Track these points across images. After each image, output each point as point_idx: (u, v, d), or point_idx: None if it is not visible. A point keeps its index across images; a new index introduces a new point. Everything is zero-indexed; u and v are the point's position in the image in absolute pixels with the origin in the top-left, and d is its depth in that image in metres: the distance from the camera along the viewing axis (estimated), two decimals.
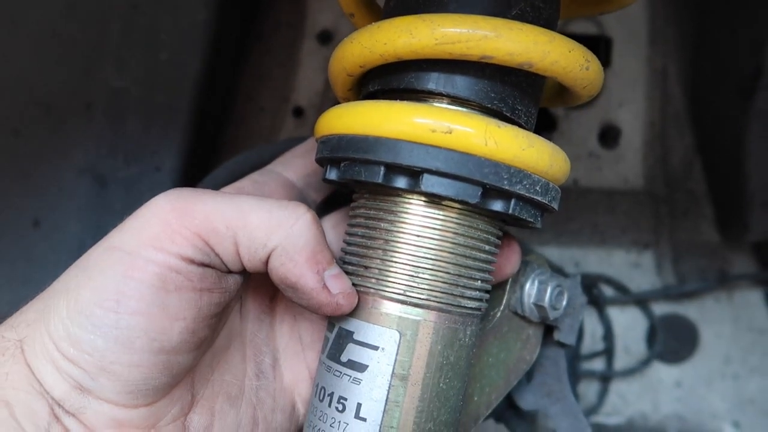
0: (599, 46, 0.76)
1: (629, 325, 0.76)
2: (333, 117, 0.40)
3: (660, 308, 0.76)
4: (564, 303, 0.49)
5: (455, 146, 0.36)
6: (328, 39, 0.77)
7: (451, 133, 0.36)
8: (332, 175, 0.41)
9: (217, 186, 0.60)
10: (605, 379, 0.75)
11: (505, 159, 0.36)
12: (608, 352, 0.75)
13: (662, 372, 0.76)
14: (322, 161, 0.42)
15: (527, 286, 0.48)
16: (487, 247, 0.41)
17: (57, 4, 0.62)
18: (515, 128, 0.37)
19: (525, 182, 0.37)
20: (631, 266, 0.77)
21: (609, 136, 0.77)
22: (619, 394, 0.76)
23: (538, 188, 0.38)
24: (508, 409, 0.56)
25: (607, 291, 0.76)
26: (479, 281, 0.41)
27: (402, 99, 0.40)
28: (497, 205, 0.38)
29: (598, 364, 0.76)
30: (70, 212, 0.66)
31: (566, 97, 0.45)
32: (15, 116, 0.67)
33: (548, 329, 0.52)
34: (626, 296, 0.75)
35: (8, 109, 0.67)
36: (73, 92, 0.64)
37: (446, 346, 0.39)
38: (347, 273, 0.41)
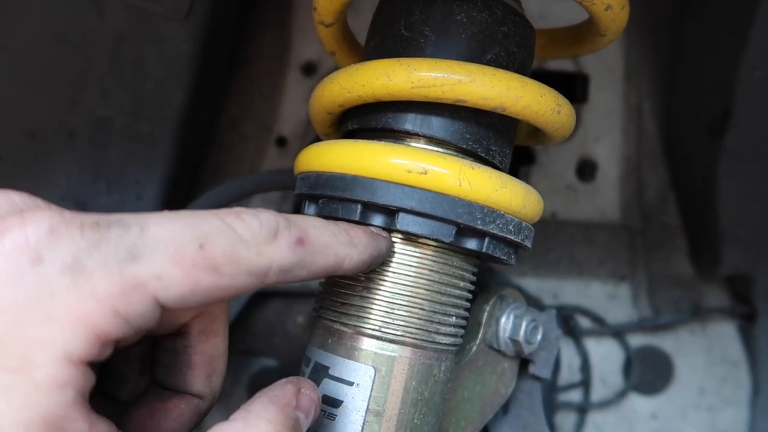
0: (576, 82, 0.78)
1: (606, 357, 0.77)
2: (312, 154, 0.41)
3: (636, 340, 0.77)
4: (539, 337, 0.49)
5: (430, 186, 0.37)
6: (312, 71, 0.78)
7: (426, 173, 0.37)
8: (310, 210, 0.42)
9: None
10: (582, 410, 0.75)
11: (479, 199, 0.37)
12: (585, 384, 0.75)
13: (638, 403, 0.77)
14: (301, 197, 0.43)
15: (503, 320, 0.49)
16: (461, 284, 0.42)
17: (45, 33, 0.62)
18: (489, 169, 0.38)
19: (498, 222, 0.38)
20: (608, 298, 0.78)
21: (586, 169, 0.79)
22: (596, 426, 0.76)
23: (511, 227, 0.39)
24: None
25: (584, 322, 0.77)
26: (454, 317, 0.42)
27: (380, 138, 0.41)
28: (471, 244, 0.39)
29: (575, 396, 0.76)
30: None
31: (540, 136, 0.46)
32: None
33: (524, 362, 0.53)
34: (603, 328, 0.76)
35: None
36: (58, 120, 0.65)
37: (421, 381, 0.40)
38: (323, 308, 0.42)
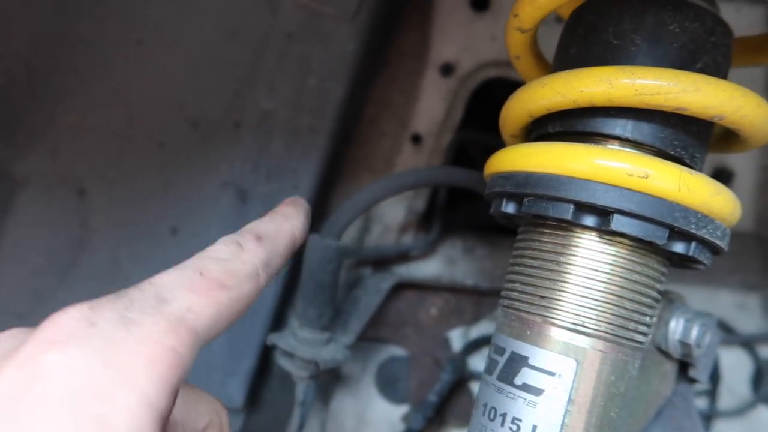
0: None
1: (734, 366, 0.77)
2: (520, 155, 0.43)
3: (765, 351, 0.77)
4: (707, 341, 0.50)
5: (649, 190, 0.38)
6: (449, 71, 0.80)
7: (647, 177, 0.38)
8: (509, 208, 0.44)
9: (359, 207, 0.63)
10: (708, 417, 0.75)
11: (695, 204, 0.39)
12: (712, 392, 0.75)
13: (764, 415, 0.76)
14: (501, 195, 0.45)
15: (672, 323, 0.50)
16: (658, 285, 0.43)
17: (219, 31, 0.67)
18: (704, 175, 0.40)
19: (709, 227, 0.40)
20: (737, 307, 0.78)
21: (722, 178, 0.78)
22: None
23: (718, 233, 0.40)
24: None
25: None
26: (648, 317, 0.43)
27: (583, 142, 0.43)
28: (678, 247, 0.40)
29: (699, 403, 0.76)
30: (210, 221, 0.71)
31: (731, 145, 0.47)
32: (162, 130, 0.72)
33: (680, 366, 0.54)
34: (734, 337, 0.76)
35: (156, 124, 0.72)
36: (224, 112, 0.69)
37: (618, 377, 0.42)
38: (519, 301, 0.44)
